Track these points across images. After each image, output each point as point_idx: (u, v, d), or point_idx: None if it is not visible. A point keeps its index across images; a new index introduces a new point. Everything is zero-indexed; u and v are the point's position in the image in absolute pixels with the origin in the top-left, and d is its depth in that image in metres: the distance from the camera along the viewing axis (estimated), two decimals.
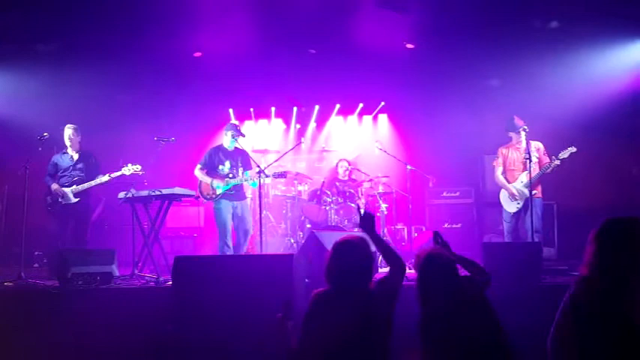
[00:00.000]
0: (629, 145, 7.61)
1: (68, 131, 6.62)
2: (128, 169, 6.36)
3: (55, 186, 6.44)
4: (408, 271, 6.50)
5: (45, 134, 6.27)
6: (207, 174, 6.58)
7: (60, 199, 6.43)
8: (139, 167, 6.40)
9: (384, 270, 6.58)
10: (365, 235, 3.13)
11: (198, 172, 6.65)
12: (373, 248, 3.18)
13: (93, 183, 6.48)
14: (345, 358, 2.86)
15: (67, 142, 6.58)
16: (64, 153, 6.63)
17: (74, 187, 6.48)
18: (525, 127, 6.50)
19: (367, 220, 3.16)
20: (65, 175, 6.56)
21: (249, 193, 7.38)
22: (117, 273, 5.58)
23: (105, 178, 6.43)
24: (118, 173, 6.38)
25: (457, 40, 7.90)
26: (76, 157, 6.64)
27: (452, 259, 3.11)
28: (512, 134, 6.71)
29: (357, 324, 2.87)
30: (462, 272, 3.21)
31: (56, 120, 6.68)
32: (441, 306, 2.97)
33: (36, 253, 7.71)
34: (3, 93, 7.96)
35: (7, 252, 7.35)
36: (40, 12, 7.21)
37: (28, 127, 7.08)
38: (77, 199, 6.49)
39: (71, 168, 6.59)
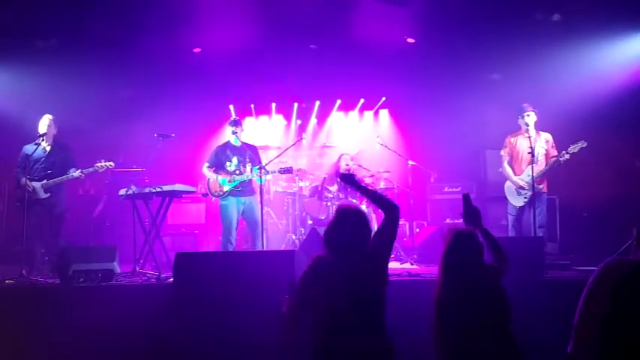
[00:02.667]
0: (633, 138, 7.57)
1: (45, 121, 6.43)
2: (101, 166, 6.26)
3: (24, 180, 6.13)
4: (406, 266, 6.53)
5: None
6: (215, 172, 6.56)
7: (31, 194, 6.18)
8: (112, 163, 6.29)
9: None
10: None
11: (205, 170, 6.63)
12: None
13: (64, 178, 6.33)
14: (344, 316, 2.94)
15: (42, 131, 6.33)
16: (37, 144, 6.29)
17: (45, 181, 6.31)
18: (529, 113, 6.46)
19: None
20: (36, 168, 6.34)
21: None
22: (118, 270, 5.55)
23: (77, 173, 6.29)
24: (90, 169, 6.28)
25: (458, 35, 7.87)
26: (48, 149, 6.45)
27: (480, 243, 3.15)
28: (520, 121, 6.64)
29: (354, 284, 2.96)
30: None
31: (56, 117, 6.62)
32: (461, 284, 3.04)
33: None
34: (2, 89, 7.93)
35: (8, 250, 7.33)
36: (39, 7, 7.18)
37: (27, 124, 7.04)
38: (48, 195, 6.32)
39: (43, 160, 6.38)
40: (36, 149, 6.29)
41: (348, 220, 3.10)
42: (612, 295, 2.56)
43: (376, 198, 3.31)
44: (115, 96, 8.63)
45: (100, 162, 6.27)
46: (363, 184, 3.37)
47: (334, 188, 7.60)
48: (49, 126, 6.45)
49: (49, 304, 5.03)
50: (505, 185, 6.70)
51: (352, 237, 3.06)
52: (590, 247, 6.95)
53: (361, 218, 3.12)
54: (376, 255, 3.09)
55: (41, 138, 6.33)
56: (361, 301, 2.95)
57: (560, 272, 5.60)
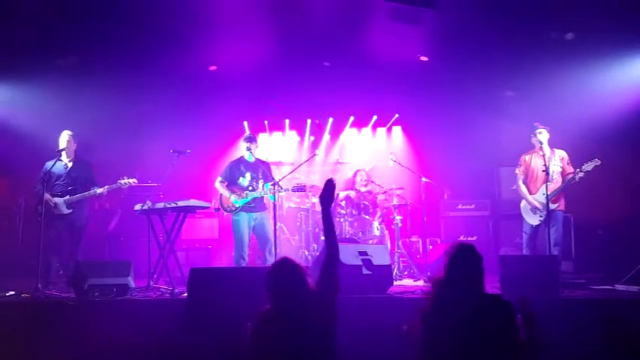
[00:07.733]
0: None
1: (65, 137, 6.52)
2: (124, 182, 6.33)
3: (47, 196, 6.18)
4: (419, 283, 6.49)
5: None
6: (228, 187, 6.62)
7: (52, 210, 6.28)
8: (135, 180, 6.37)
9: (399, 283, 6.55)
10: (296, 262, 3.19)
11: (218, 185, 6.70)
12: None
13: (87, 194, 6.39)
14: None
15: (62, 146, 6.42)
16: (58, 160, 6.41)
17: (67, 197, 6.38)
18: (541, 131, 6.45)
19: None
20: (58, 184, 6.42)
21: None
22: (133, 285, 5.60)
23: (103, 189, 6.35)
24: (114, 186, 6.35)
25: (471, 52, 7.90)
26: (70, 165, 6.53)
27: (480, 262, 3.17)
28: (533, 139, 6.62)
29: (302, 335, 2.94)
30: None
31: (73, 133, 6.71)
32: (454, 299, 3.07)
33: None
34: (21, 106, 8.06)
35: (24, 264, 7.39)
36: (59, 26, 7.32)
37: (44, 140, 7.14)
38: (70, 210, 6.40)
39: (64, 176, 6.46)
40: (57, 165, 6.36)
41: (285, 272, 3.12)
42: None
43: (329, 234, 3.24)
44: (131, 112, 8.73)
45: (123, 179, 6.34)
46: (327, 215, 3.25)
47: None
48: (68, 141, 6.54)
49: (65, 318, 5.05)
50: (521, 203, 6.65)
51: (289, 287, 3.08)
52: (605, 265, 6.88)
53: (293, 269, 3.11)
54: (320, 299, 3.06)
55: (61, 154, 6.42)
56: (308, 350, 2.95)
57: (575, 291, 5.54)
